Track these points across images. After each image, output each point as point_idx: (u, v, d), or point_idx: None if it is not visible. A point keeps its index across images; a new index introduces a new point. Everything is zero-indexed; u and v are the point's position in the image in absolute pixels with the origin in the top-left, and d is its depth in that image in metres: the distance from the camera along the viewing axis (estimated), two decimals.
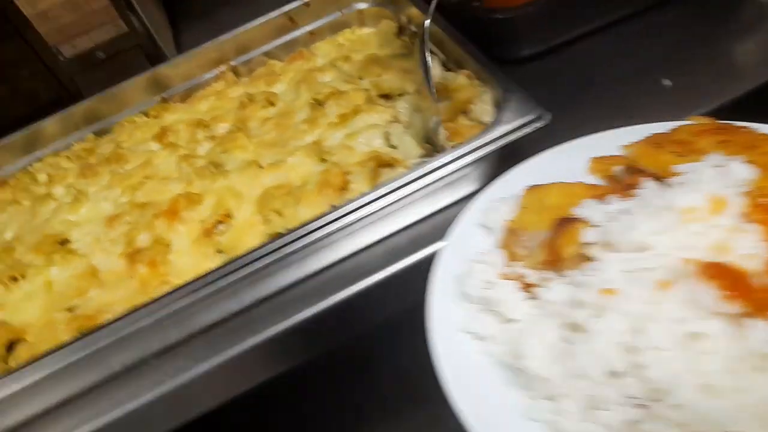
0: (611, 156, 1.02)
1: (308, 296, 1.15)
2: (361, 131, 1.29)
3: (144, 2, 1.73)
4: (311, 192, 1.20)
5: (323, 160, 1.26)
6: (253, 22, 1.63)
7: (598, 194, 0.94)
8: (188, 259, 1.18)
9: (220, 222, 1.22)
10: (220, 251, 1.19)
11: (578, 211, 0.86)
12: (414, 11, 1.49)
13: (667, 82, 1.34)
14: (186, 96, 1.66)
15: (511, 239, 0.93)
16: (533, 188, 0.98)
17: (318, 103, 1.37)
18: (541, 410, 0.75)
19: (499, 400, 0.78)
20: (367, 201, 1.11)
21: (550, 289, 0.82)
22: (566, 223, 0.85)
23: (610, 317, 0.72)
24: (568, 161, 1.03)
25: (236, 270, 1.09)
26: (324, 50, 1.62)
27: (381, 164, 1.23)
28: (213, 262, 1.17)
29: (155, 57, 1.65)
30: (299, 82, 1.47)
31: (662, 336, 0.68)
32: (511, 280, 0.87)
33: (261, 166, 1.30)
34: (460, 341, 0.85)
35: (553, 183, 0.98)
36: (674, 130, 0.97)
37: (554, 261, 0.83)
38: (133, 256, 1.20)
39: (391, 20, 1.61)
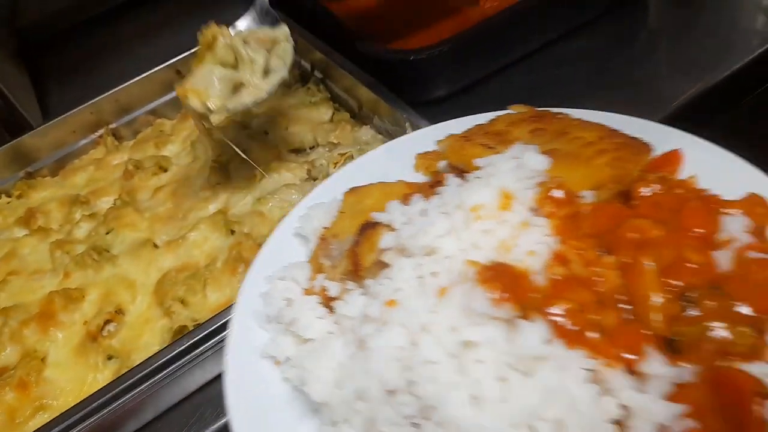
0: (435, 151, 0.98)
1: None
2: (273, 193, 1.14)
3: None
4: (220, 272, 1.04)
5: (232, 232, 1.09)
6: (134, 78, 1.44)
7: (413, 192, 0.88)
8: (70, 373, 0.97)
9: (109, 321, 1.02)
10: (111, 357, 0.99)
11: (380, 215, 0.81)
12: (318, 56, 1.38)
13: None
14: (57, 168, 1.44)
15: (321, 249, 0.86)
16: (353, 190, 0.92)
17: (220, 166, 1.21)
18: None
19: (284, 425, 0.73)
20: None
21: (347, 302, 0.77)
22: (368, 228, 0.80)
23: (389, 331, 0.69)
24: (396, 160, 0.98)
25: (134, 382, 0.89)
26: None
27: None
28: (102, 372, 0.96)
29: (15, 126, 1.41)
30: (195, 142, 1.31)
31: (434, 348, 0.66)
32: (314, 295, 0.81)
33: (156, 246, 1.11)
34: (261, 368, 0.79)
35: (373, 184, 0.93)
36: (492, 121, 0.96)
37: (356, 270, 0.78)
38: None
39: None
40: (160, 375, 0.93)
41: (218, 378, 0.97)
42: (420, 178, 0.94)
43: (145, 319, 1.02)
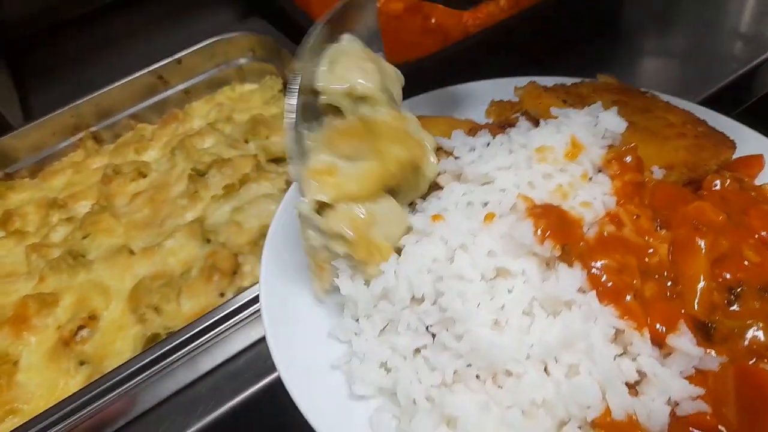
0: (512, 102, 1.02)
1: (196, 405, 1.00)
2: (251, 203, 1.18)
3: None
4: (196, 280, 1.08)
5: (208, 241, 1.13)
6: (116, 82, 1.48)
7: (481, 129, 0.94)
8: (42, 378, 1.01)
9: (83, 326, 1.04)
10: (83, 362, 1.03)
11: (443, 140, 0.87)
12: None
13: None
14: (36, 170, 1.48)
15: None
16: (421, 118, 0.97)
17: (198, 174, 1.24)
18: (343, 329, 0.78)
19: (310, 318, 0.80)
20: None
21: None
22: None
23: (429, 242, 0.75)
24: (469, 101, 1.04)
25: (104, 389, 0.92)
26: (201, 111, 1.52)
27: None
28: (74, 378, 0.99)
29: None
30: (175, 149, 1.34)
31: (469, 267, 0.71)
32: None
33: (133, 252, 1.15)
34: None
35: (442, 116, 1.00)
36: (576, 84, 1.02)
37: None
38: None
39: (275, 75, 1.53)
40: (131, 383, 0.96)
41: (189, 386, 1.01)
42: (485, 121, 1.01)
43: (119, 325, 1.05)
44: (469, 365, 0.69)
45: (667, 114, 0.92)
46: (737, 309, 0.70)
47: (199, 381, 1.02)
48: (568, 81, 1.02)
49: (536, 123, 0.88)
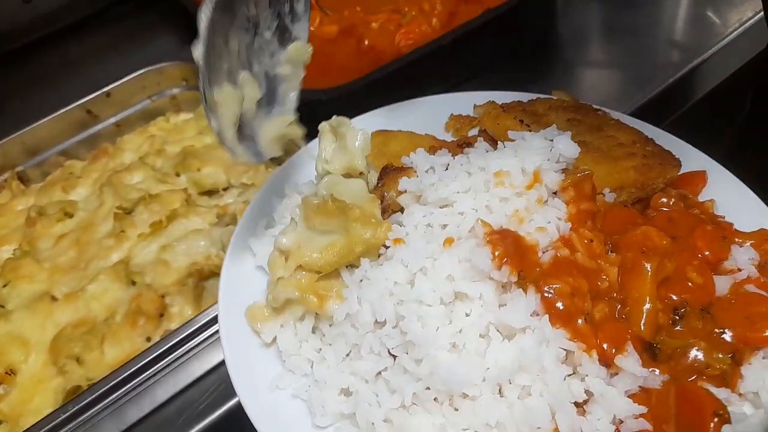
0: (471, 116, 1.06)
1: None
2: (179, 240, 1.14)
3: None
4: (120, 325, 1.05)
5: (133, 283, 1.09)
6: (43, 119, 1.43)
7: (440, 147, 0.97)
8: None
9: (0, 383, 0.99)
10: (0, 422, 0.96)
11: (406, 160, 0.90)
12: None
13: None
14: None
15: None
16: (381, 132, 1.01)
17: (125, 211, 1.20)
18: (297, 363, 0.79)
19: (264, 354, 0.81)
20: (192, 330, 0.97)
21: None
22: (393, 171, 0.88)
23: (389, 265, 0.78)
24: (428, 115, 1.06)
25: None
26: (134, 144, 1.48)
27: (203, 277, 1.09)
28: None
29: None
30: (103, 186, 1.30)
31: (428, 290, 0.74)
32: None
33: (55, 298, 1.11)
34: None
35: (401, 131, 1.02)
36: (532, 102, 1.07)
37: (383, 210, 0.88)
38: None
39: None
40: None
41: None
42: (447, 138, 1.02)
43: (39, 379, 1.01)
44: (428, 388, 0.72)
45: (617, 132, 0.98)
46: (680, 329, 0.75)
47: None
48: (525, 97, 1.06)
49: (494, 142, 0.92)
